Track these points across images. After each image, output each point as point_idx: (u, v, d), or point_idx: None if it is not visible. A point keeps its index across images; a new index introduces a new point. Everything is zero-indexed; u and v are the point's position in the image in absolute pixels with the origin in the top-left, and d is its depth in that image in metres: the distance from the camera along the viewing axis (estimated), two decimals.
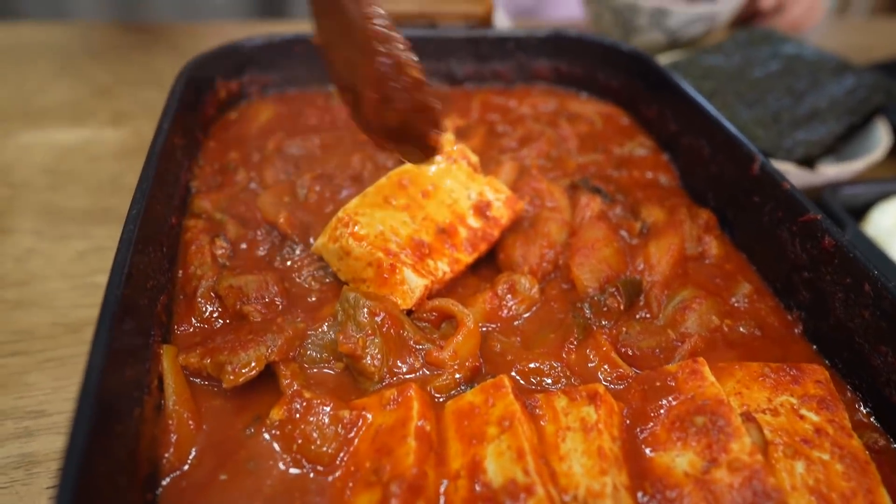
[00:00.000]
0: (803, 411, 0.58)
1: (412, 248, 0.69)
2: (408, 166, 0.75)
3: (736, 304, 0.74)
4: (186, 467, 0.53)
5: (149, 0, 3.03)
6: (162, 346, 0.61)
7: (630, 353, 0.66)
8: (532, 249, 0.75)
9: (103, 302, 0.52)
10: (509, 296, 0.70)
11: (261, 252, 0.75)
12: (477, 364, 0.62)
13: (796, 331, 0.72)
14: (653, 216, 0.84)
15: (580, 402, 0.56)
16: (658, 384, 0.59)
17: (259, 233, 0.77)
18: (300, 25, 1.65)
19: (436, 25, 1.21)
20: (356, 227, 0.67)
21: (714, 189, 0.89)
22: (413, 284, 0.65)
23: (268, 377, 0.60)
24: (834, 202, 1.04)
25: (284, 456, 0.54)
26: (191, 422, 0.55)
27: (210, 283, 0.68)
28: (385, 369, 0.60)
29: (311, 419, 0.54)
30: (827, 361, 0.69)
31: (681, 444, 0.54)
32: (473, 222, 0.75)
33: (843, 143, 1.20)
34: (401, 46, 0.59)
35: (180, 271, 0.71)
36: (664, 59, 1.42)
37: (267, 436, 0.55)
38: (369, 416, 0.55)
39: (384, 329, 0.61)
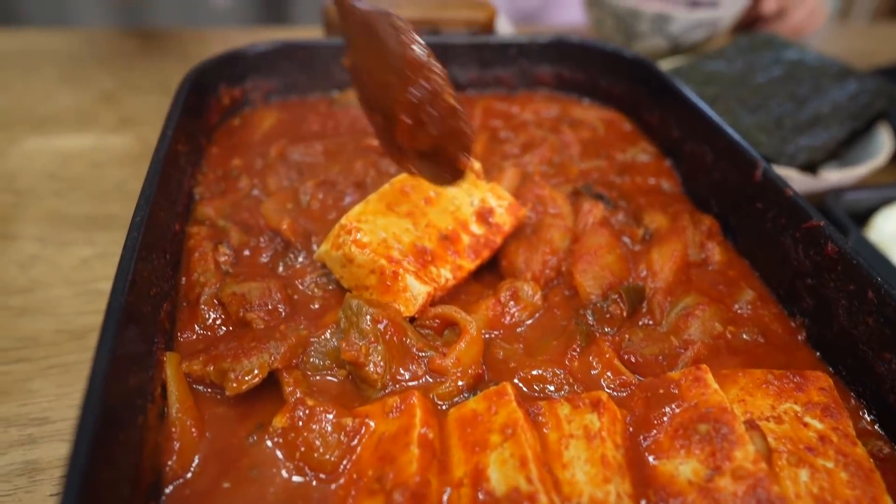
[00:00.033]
0: (807, 419, 0.58)
1: (415, 255, 0.69)
2: None
3: (739, 311, 0.74)
4: (189, 475, 0.53)
5: (153, 6, 3.06)
6: (165, 353, 0.61)
7: (633, 360, 0.66)
8: (535, 256, 0.75)
9: (107, 310, 0.52)
10: (512, 302, 0.70)
11: (264, 259, 0.75)
12: (480, 371, 0.62)
13: (800, 337, 0.72)
14: (655, 222, 0.84)
15: (583, 409, 0.56)
16: (661, 391, 0.59)
17: (262, 240, 0.77)
18: (303, 32, 1.66)
19: (438, 32, 1.21)
20: (359, 235, 0.67)
21: (717, 195, 0.89)
22: (416, 291, 0.65)
23: (271, 384, 0.60)
24: (837, 208, 1.04)
25: (287, 464, 0.54)
26: (194, 429, 0.55)
27: (213, 290, 0.68)
28: (388, 377, 0.60)
29: (314, 427, 0.54)
30: (830, 368, 0.69)
31: (684, 451, 0.54)
32: (476, 229, 0.75)
33: (845, 148, 1.19)
34: (437, 72, 0.61)
35: (184, 278, 0.71)
36: (666, 65, 1.43)
37: (270, 443, 0.55)
38: (372, 423, 0.55)
39: (387, 336, 0.61)
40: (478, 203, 0.77)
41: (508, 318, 0.70)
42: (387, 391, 0.60)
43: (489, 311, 0.69)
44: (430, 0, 1.30)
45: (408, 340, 0.62)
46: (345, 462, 0.53)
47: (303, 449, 0.53)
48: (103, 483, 0.44)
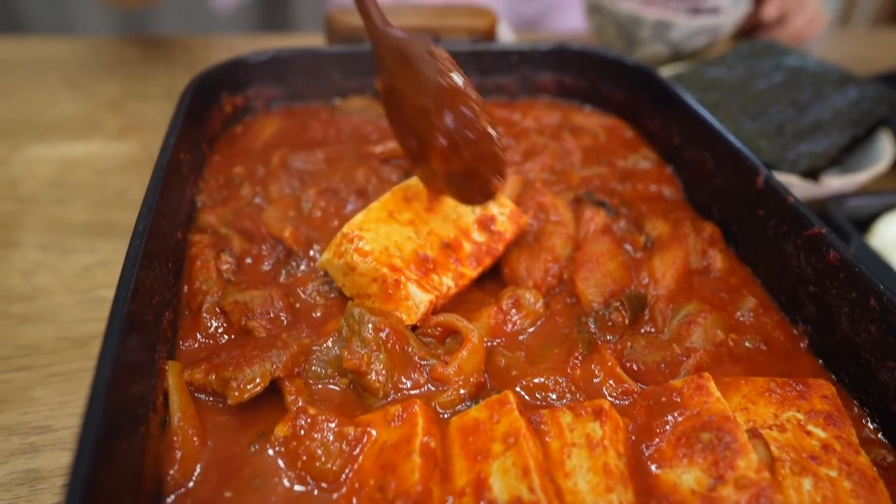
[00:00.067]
0: (810, 427, 0.58)
1: (417, 263, 0.69)
2: (412, 180, 0.76)
3: (741, 319, 0.74)
4: (191, 484, 0.53)
5: (156, 14, 3.07)
6: (167, 362, 0.61)
7: (635, 367, 0.66)
8: (536, 264, 0.75)
9: (109, 319, 0.52)
10: (514, 310, 0.70)
11: (266, 267, 0.76)
12: (482, 379, 0.62)
13: (802, 345, 0.72)
14: (657, 229, 0.84)
15: (585, 417, 0.56)
16: (664, 400, 0.59)
17: (264, 248, 0.77)
18: (305, 39, 1.66)
19: (440, 39, 1.21)
20: (361, 243, 0.67)
21: (718, 202, 0.89)
22: (418, 300, 0.66)
23: (272, 393, 0.60)
24: (838, 214, 1.04)
25: (289, 472, 0.54)
26: (195, 438, 0.55)
27: (215, 298, 0.68)
28: (390, 385, 0.60)
29: (316, 435, 0.54)
30: (833, 376, 0.68)
31: (687, 460, 0.54)
32: (478, 237, 0.75)
33: (846, 154, 1.20)
34: (474, 99, 0.64)
35: (185, 287, 0.71)
36: (667, 72, 1.43)
37: (271, 452, 0.55)
38: (374, 432, 0.55)
39: (389, 345, 0.61)
40: (479, 211, 0.77)
41: (510, 325, 0.70)
42: (389, 400, 0.60)
43: (491, 318, 0.69)
44: (432, 8, 1.30)
45: (410, 349, 0.62)
46: (346, 471, 0.53)
47: (304, 458, 0.53)
48: (105, 492, 0.44)
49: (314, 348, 0.63)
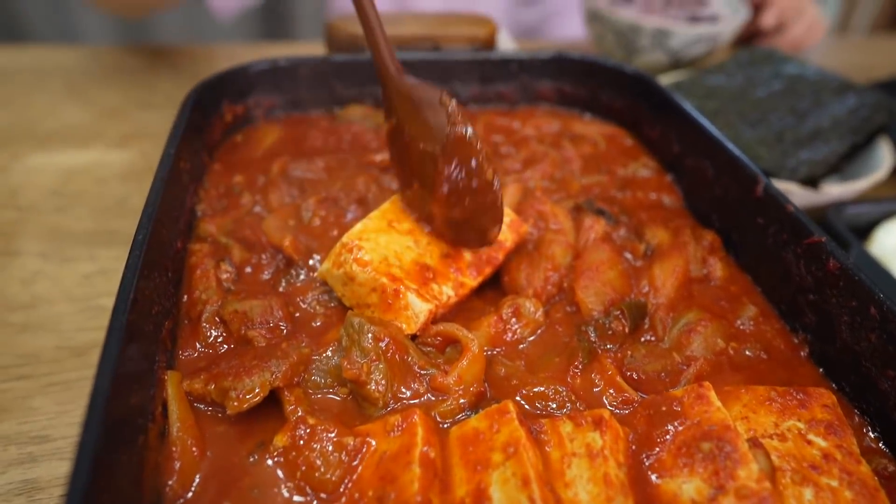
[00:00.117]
0: (811, 436, 0.58)
1: (416, 272, 0.69)
2: None
3: (741, 327, 0.74)
4: (190, 495, 0.53)
5: (157, 22, 3.08)
6: (166, 371, 0.60)
7: (635, 376, 0.66)
8: (536, 272, 0.75)
9: (108, 329, 0.52)
10: (514, 319, 0.70)
11: (265, 276, 0.75)
12: (482, 389, 0.62)
13: (802, 353, 0.72)
14: (657, 238, 0.84)
15: (585, 427, 0.56)
16: (664, 409, 0.59)
17: (264, 257, 0.77)
18: (306, 48, 1.67)
19: (440, 48, 1.22)
20: (360, 253, 0.67)
21: (718, 210, 0.89)
22: (417, 309, 0.65)
23: (272, 402, 0.59)
24: (838, 222, 1.04)
25: (288, 483, 0.53)
26: (194, 448, 0.55)
27: (215, 307, 0.68)
28: (389, 395, 0.60)
29: (315, 446, 0.54)
30: (834, 385, 0.68)
31: (687, 470, 0.54)
32: None
33: (846, 162, 1.20)
34: (480, 150, 0.66)
35: (185, 296, 0.71)
36: (667, 80, 1.43)
37: (271, 462, 0.55)
38: (373, 442, 0.55)
39: (389, 354, 0.61)
40: None
41: (510, 334, 0.70)
42: (388, 409, 0.60)
43: (491, 328, 0.69)
44: (432, 17, 1.31)
45: (409, 358, 0.62)
46: (346, 482, 0.53)
47: (304, 468, 0.53)
48: (103, 503, 0.44)
49: (314, 358, 0.63)
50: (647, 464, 0.56)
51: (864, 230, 1.09)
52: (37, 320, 0.87)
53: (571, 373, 0.65)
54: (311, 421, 0.55)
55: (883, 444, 0.62)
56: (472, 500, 0.50)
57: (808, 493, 0.53)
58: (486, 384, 0.63)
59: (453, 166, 0.67)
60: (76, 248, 1.00)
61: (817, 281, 0.70)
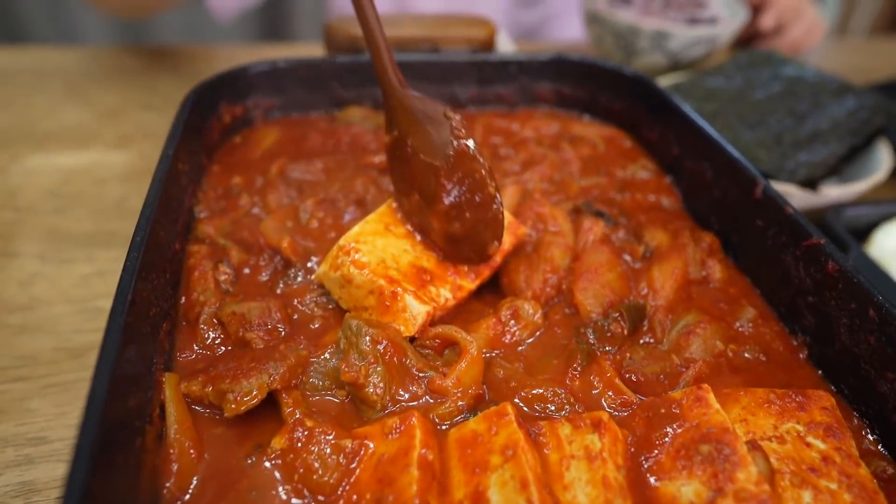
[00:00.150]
0: (810, 439, 0.58)
1: (414, 275, 0.69)
2: None
3: (740, 329, 0.74)
4: (188, 497, 0.53)
5: (156, 23, 3.08)
6: (164, 373, 0.60)
7: (634, 378, 0.66)
8: (535, 274, 0.75)
9: (106, 331, 0.52)
10: (512, 322, 0.70)
11: (263, 277, 0.75)
12: (480, 391, 0.62)
13: (801, 356, 0.72)
14: (656, 240, 0.84)
15: (584, 429, 0.56)
16: (663, 411, 0.58)
17: (262, 258, 0.77)
18: (305, 49, 1.67)
19: (439, 50, 1.22)
20: (357, 255, 0.67)
21: (717, 212, 0.89)
22: (415, 311, 0.65)
23: (270, 404, 0.59)
24: (837, 224, 1.04)
25: (286, 485, 0.53)
26: (192, 451, 0.55)
27: (213, 309, 0.68)
28: (388, 397, 0.60)
29: (313, 448, 0.53)
30: (833, 387, 0.68)
31: (686, 473, 0.53)
32: None
33: (845, 164, 1.20)
34: (483, 164, 0.67)
35: (183, 297, 0.71)
36: (666, 81, 1.43)
37: (268, 465, 0.54)
38: (371, 445, 0.55)
39: (387, 357, 0.60)
40: None
41: (509, 337, 0.69)
42: (386, 412, 0.60)
43: (490, 330, 0.69)
44: (431, 18, 1.31)
45: (408, 361, 0.62)
46: (344, 484, 0.53)
47: (301, 471, 0.53)
48: None
49: (312, 360, 0.63)
50: (645, 466, 0.55)
51: (863, 232, 1.09)
52: (34, 322, 0.87)
53: (570, 375, 0.65)
54: (308, 423, 0.55)
55: (882, 447, 0.62)
56: (471, 502, 0.50)
57: (807, 495, 0.53)
58: (484, 386, 0.63)
59: (456, 179, 0.68)
60: (74, 250, 1.00)
61: (816, 283, 0.70)
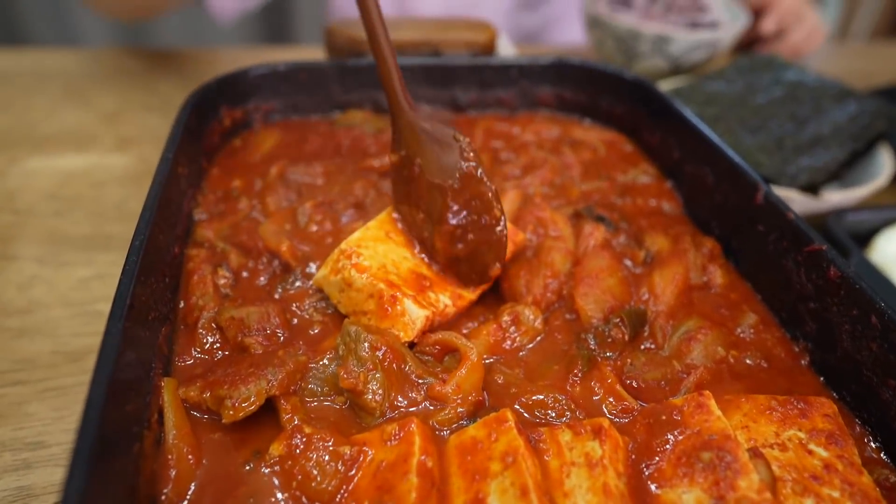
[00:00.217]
0: (812, 446, 0.57)
1: (413, 280, 0.69)
2: None
3: (742, 335, 0.74)
4: (185, 503, 0.53)
5: (157, 25, 3.09)
6: (163, 378, 0.60)
7: (635, 384, 0.66)
8: (536, 279, 0.75)
9: (104, 335, 0.51)
10: (513, 327, 0.70)
11: (262, 281, 0.75)
12: (480, 398, 0.61)
13: (803, 362, 0.71)
14: (657, 245, 0.84)
15: (585, 436, 0.55)
16: (664, 418, 0.58)
17: (261, 262, 0.77)
18: (305, 52, 1.67)
19: (440, 53, 1.22)
20: (359, 259, 0.67)
21: (718, 217, 0.89)
22: (414, 315, 0.65)
23: (268, 409, 0.59)
24: (838, 229, 1.04)
25: (284, 492, 0.53)
26: (190, 456, 0.55)
27: (212, 313, 0.68)
28: (387, 404, 0.59)
29: (312, 455, 0.53)
30: (835, 394, 0.68)
31: (687, 480, 0.53)
32: None
33: (846, 169, 1.19)
34: (490, 187, 0.69)
35: (182, 302, 0.71)
36: (666, 85, 1.43)
37: (267, 471, 0.54)
38: (370, 451, 0.54)
39: (386, 363, 0.60)
40: None
41: (509, 342, 0.69)
42: (385, 418, 0.59)
43: (490, 336, 0.69)
44: (432, 22, 1.30)
45: (407, 367, 0.62)
46: (342, 491, 0.52)
47: (300, 477, 0.52)
48: None
49: (311, 366, 0.62)
50: (646, 473, 0.55)
51: (865, 237, 1.09)
52: (33, 325, 0.86)
53: (571, 381, 0.65)
54: (307, 430, 0.54)
55: (884, 455, 0.62)
56: None
57: (809, 503, 0.53)
58: (484, 392, 0.63)
59: (463, 201, 0.70)
60: (73, 253, 1.00)
61: (818, 289, 0.70)
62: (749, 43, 1.82)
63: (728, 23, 1.64)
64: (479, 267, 0.71)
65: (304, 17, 3.25)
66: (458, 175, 0.69)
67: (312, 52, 1.61)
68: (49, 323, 0.87)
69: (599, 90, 1.16)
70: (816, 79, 1.35)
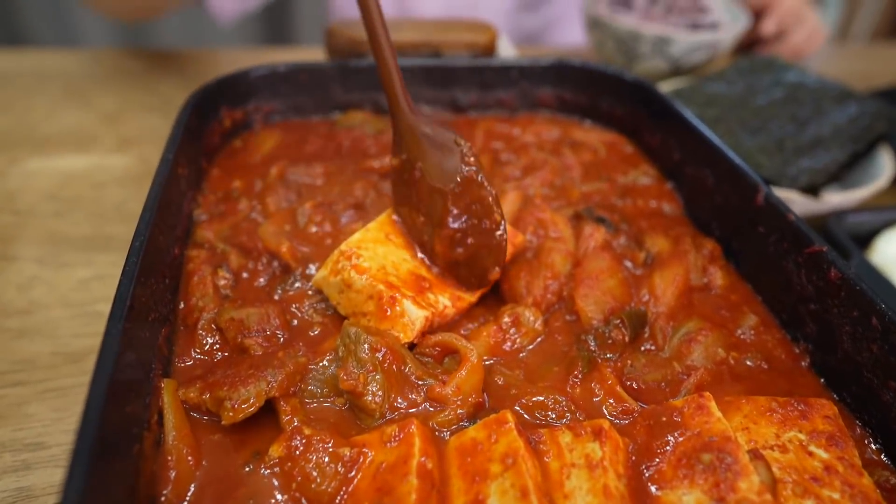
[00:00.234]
0: (812, 448, 0.57)
1: (412, 282, 0.69)
2: None
3: (742, 336, 0.74)
4: None
5: (157, 26, 3.09)
6: (162, 379, 0.60)
7: (635, 386, 0.66)
8: (536, 281, 0.75)
9: (104, 337, 0.51)
10: (513, 329, 0.70)
11: (262, 282, 0.75)
12: (480, 399, 0.61)
13: (803, 364, 0.71)
14: (657, 246, 0.84)
15: (585, 437, 0.55)
16: (664, 419, 0.58)
17: (261, 263, 0.77)
18: (306, 53, 1.67)
19: (440, 54, 1.22)
20: (359, 260, 0.67)
21: (719, 219, 0.89)
22: (413, 316, 0.65)
23: (268, 410, 0.59)
24: (839, 230, 1.04)
25: (284, 494, 0.53)
26: (190, 458, 0.55)
27: (211, 314, 0.68)
28: (386, 405, 0.59)
29: (311, 456, 0.53)
30: (835, 396, 0.68)
31: (687, 482, 0.53)
32: None
33: (847, 170, 1.19)
34: (490, 191, 0.69)
35: (182, 303, 0.71)
36: (667, 87, 1.43)
37: (266, 473, 0.54)
38: (370, 453, 0.54)
39: (385, 365, 0.60)
40: None
41: (509, 344, 0.69)
42: (385, 420, 0.59)
43: (490, 337, 0.69)
44: (432, 23, 1.30)
45: (407, 369, 0.62)
46: (342, 493, 0.52)
47: (299, 479, 0.52)
48: None
49: (310, 367, 0.62)
50: (646, 475, 0.55)
51: (865, 239, 1.09)
52: (33, 326, 0.86)
53: (571, 382, 0.65)
54: (306, 431, 0.54)
55: (885, 457, 0.62)
56: None
57: None
58: (484, 394, 0.63)
59: (463, 205, 0.70)
60: (73, 254, 1.00)
61: (818, 290, 0.70)
62: (749, 44, 1.82)
63: (728, 24, 1.64)
64: (478, 271, 0.71)
65: (305, 18, 3.25)
66: (458, 179, 0.70)
67: (313, 53, 1.61)
68: (49, 324, 0.87)
69: (600, 91, 1.16)
70: (817, 80, 1.35)
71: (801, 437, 0.58)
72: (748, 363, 0.70)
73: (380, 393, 0.59)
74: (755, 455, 0.55)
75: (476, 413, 0.61)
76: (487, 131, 1.12)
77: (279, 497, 0.53)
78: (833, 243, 0.93)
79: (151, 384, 0.58)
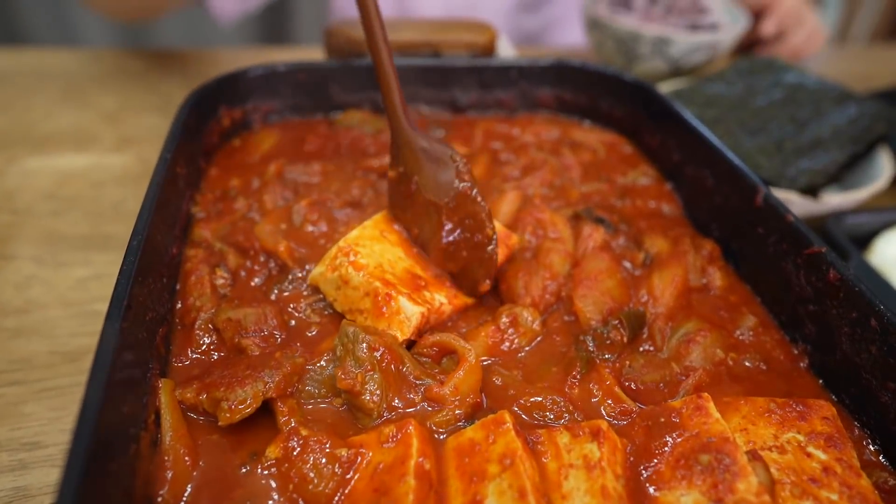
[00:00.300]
0: (810, 449, 0.57)
1: (408, 279, 0.69)
2: None
3: (741, 337, 0.73)
4: None
5: (157, 26, 3.08)
6: (160, 379, 0.60)
7: (633, 387, 0.65)
8: (534, 281, 0.75)
9: (101, 336, 0.51)
10: (511, 329, 0.69)
11: (259, 281, 0.75)
12: (478, 399, 0.61)
13: (802, 365, 0.71)
14: (656, 246, 0.84)
15: (583, 438, 0.55)
16: (662, 420, 0.58)
17: (257, 262, 0.76)
18: (305, 53, 1.66)
19: (440, 54, 1.21)
20: (356, 257, 0.67)
21: (718, 219, 0.89)
22: (409, 312, 0.65)
23: (265, 411, 0.59)
24: (838, 231, 1.04)
25: (281, 495, 0.52)
26: (187, 458, 0.54)
27: (209, 314, 0.67)
28: (384, 405, 0.59)
29: (308, 457, 0.53)
30: (834, 397, 0.68)
31: (686, 483, 0.53)
32: None
33: (846, 171, 1.19)
34: (483, 206, 0.70)
35: (179, 302, 0.71)
36: (666, 87, 1.43)
37: (263, 473, 0.54)
38: (368, 453, 0.54)
39: (384, 364, 0.60)
40: None
41: (507, 344, 0.69)
42: (383, 420, 0.59)
43: (488, 338, 0.68)
44: (432, 23, 1.30)
45: (405, 368, 0.61)
46: (339, 494, 0.52)
47: (296, 480, 0.52)
48: None
49: (308, 367, 0.62)
50: (645, 476, 0.55)
51: (864, 240, 1.09)
52: (30, 325, 0.86)
53: (569, 383, 0.65)
54: (303, 432, 0.54)
55: (883, 458, 0.61)
56: None
57: None
58: (482, 394, 0.63)
59: (457, 219, 0.71)
60: (71, 253, 1.00)
61: (817, 291, 0.70)
62: (749, 45, 1.82)
63: (728, 25, 1.64)
64: (468, 283, 0.73)
65: (304, 18, 3.25)
66: (453, 194, 0.71)
67: (312, 53, 1.61)
68: (46, 323, 0.87)
69: (599, 92, 1.15)
70: (816, 81, 1.35)
71: (800, 438, 0.58)
72: (747, 364, 0.70)
73: (378, 392, 0.59)
74: (753, 456, 0.54)
75: (474, 413, 0.60)
76: (487, 131, 1.12)
77: (276, 498, 0.52)
78: (832, 244, 0.93)
79: (148, 384, 0.58)
